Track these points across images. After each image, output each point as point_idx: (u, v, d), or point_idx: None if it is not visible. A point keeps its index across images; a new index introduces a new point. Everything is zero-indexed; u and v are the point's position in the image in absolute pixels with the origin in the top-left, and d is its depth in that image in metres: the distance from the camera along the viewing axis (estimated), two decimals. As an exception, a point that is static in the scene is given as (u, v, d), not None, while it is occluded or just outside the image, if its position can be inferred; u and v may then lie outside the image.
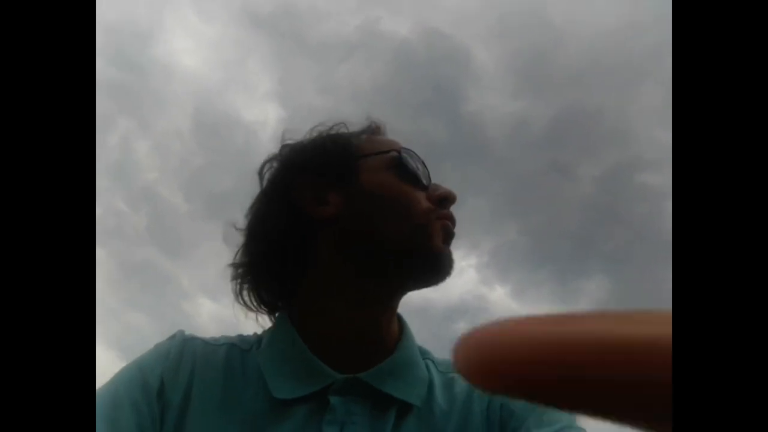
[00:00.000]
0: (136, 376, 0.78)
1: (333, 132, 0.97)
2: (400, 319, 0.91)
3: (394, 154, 0.90)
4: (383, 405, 0.79)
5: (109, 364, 0.81)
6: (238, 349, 0.86)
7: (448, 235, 0.86)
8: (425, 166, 0.90)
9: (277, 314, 0.91)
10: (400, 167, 0.89)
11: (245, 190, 0.91)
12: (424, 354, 0.90)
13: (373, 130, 0.98)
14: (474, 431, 0.78)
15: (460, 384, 0.84)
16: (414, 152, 0.91)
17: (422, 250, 0.85)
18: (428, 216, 0.86)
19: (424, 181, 0.89)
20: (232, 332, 0.92)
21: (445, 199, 0.88)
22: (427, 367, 0.87)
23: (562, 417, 0.75)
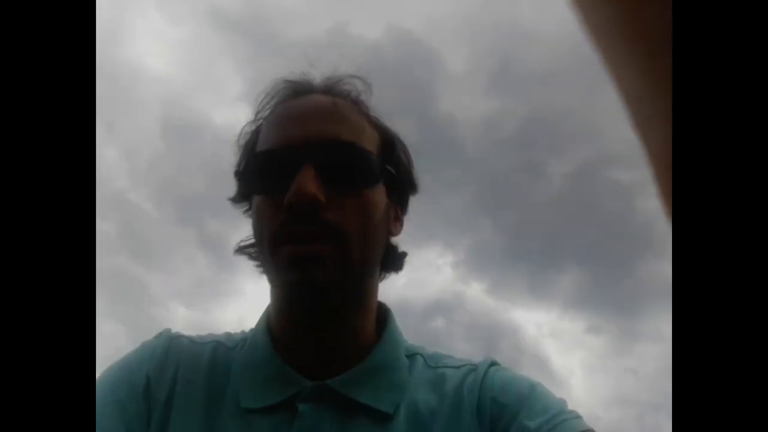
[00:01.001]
0: (122, 375, 0.79)
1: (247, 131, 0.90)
2: (383, 318, 0.88)
3: (241, 165, 0.85)
4: (355, 412, 0.76)
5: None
6: (223, 347, 0.86)
7: (295, 261, 0.73)
8: (292, 164, 0.75)
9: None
10: (245, 175, 0.84)
11: (216, 193, 0.90)
12: (413, 349, 0.87)
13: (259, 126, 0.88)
14: (465, 428, 0.76)
15: (451, 379, 0.81)
16: (275, 150, 0.79)
17: (276, 283, 0.80)
18: (274, 238, 0.76)
19: (272, 188, 0.77)
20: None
21: (288, 209, 0.73)
22: (415, 363, 0.84)
23: (554, 405, 0.74)
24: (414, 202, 0.93)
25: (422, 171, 0.92)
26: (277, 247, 0.75)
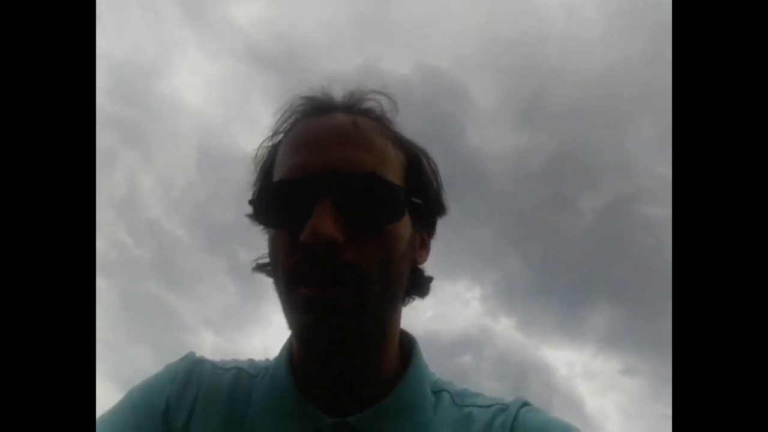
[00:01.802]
0: (144, 396, 0.79)
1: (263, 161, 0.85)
2: (407, 349, 0.83)
3: (256, 193, 0.79)
4: None
5: (109, 398, 0.80)
6: (246, 374, 0.84)
7: (310, 305, 0.69)
8: (309, 197, 0.70)
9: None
10: (260, 205, 0.78)
11: (246, 223, 0.83)
12: (440, 385, 0.83)
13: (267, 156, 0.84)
14: None
15: (479, 420, 0.77)
16: (291, 181, 0.73)
17: (291, 323, 0.74)
18: (289, 278, 0.72)
19: (288, 221, 0.73)
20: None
21: (304, 247, 0.68)
22: (441, 400, 0.80)
23: None
24: (442, 236, 0.87)
25: (451, 204, 0.87)
26: (293, 288, 0.71)
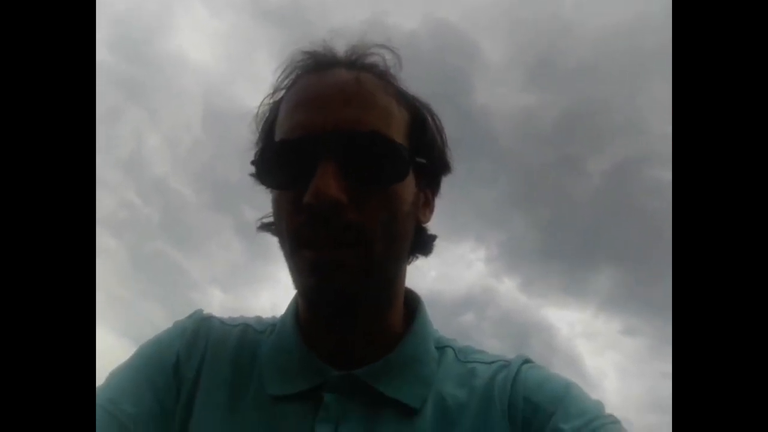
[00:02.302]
0: (154, 352, 0.81)
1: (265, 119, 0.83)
2: (412, 307, 0.84)
3: (258, 153, 0.80)
4: (381, 404, 0.74)
5: (122, 352, 0.82)
6: (252, 330, 0.85)
7: (315, 267, 0.70)
8: (311, 158, 0.70)
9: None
10: (263, 165, 0.77)
11: (251, 180, 0.82)
12: (444, 342, 0.84)
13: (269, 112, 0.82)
14: (494, 426, 0.72)
15: (481, 375, 0.78)
16: (293, 141, 0.72)
17: (297, 284, 0.75)
18: (293, 239, 0.72)
19: (291, 182, 0.72)
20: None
21: (308, 207, 0.68)
22: (445, 355, 0.82)
23: (591, 408, 0.71)
24: (447, 196, 0.86)
25: (456, 163, 0.86)
26: (297, 250, 0.71)
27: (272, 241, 0.83)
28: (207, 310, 0.90)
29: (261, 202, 0.84)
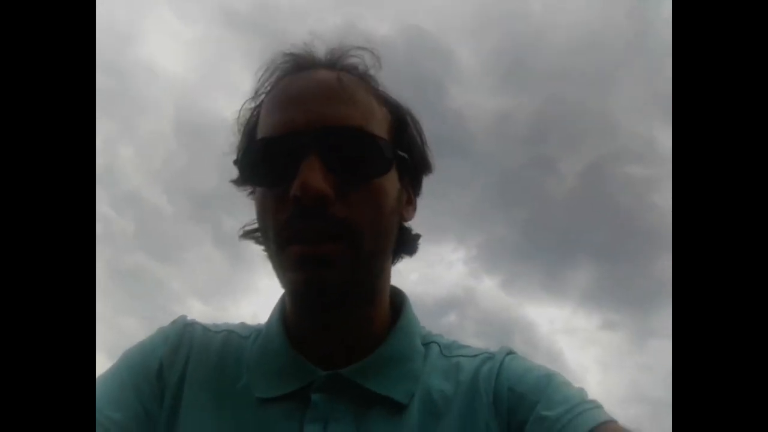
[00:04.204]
0: (138, 358, 0.81)
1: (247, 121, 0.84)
2: (397, 304, 0.86)
3: (241, 153, 0.79)
4: (369, 402, 0.75)
5: (100, 369, 0.80)
6: (236, 335, 0.86)
7: (302, 262, 0.70)
8: (296, 153, 0.70)
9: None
10: (246, 164, 0.78)
11: (230, 190, 0.84)
12: (430, 338, 0.85)
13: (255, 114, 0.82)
14: (480, 418, 0.74)
15: (466, 368, 0.79)
16: (277, 138, 0.73)
17: (284, 282, 0.76)
18: (280, 236, 0.72)
19: (275, 179, 0.73)
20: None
21: (295, 200, 0.68)
22: (430, 351, 0.83)
23: (574, 395, 0.73)
24: (427, 198, 0.88)
25: (435, 166, 0.87)
26: (284, 246, 0.71)
27: (253, 251, 0.84)
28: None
29: (240, 211, 0.84)
